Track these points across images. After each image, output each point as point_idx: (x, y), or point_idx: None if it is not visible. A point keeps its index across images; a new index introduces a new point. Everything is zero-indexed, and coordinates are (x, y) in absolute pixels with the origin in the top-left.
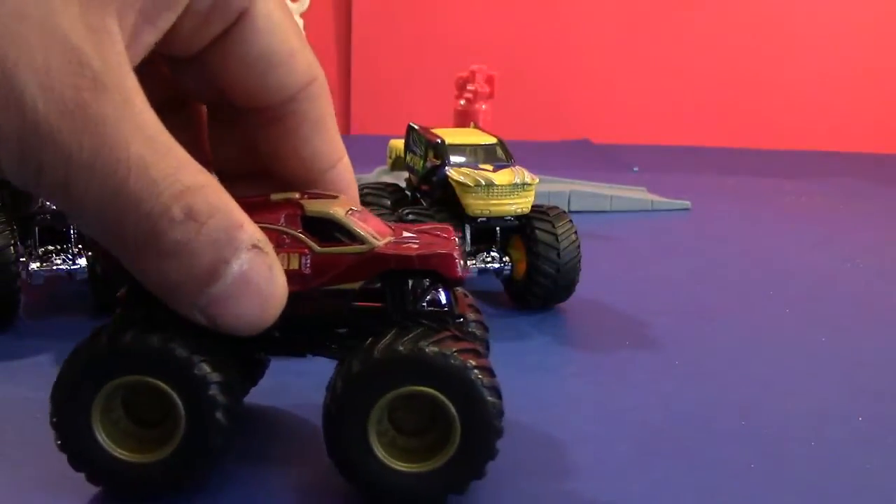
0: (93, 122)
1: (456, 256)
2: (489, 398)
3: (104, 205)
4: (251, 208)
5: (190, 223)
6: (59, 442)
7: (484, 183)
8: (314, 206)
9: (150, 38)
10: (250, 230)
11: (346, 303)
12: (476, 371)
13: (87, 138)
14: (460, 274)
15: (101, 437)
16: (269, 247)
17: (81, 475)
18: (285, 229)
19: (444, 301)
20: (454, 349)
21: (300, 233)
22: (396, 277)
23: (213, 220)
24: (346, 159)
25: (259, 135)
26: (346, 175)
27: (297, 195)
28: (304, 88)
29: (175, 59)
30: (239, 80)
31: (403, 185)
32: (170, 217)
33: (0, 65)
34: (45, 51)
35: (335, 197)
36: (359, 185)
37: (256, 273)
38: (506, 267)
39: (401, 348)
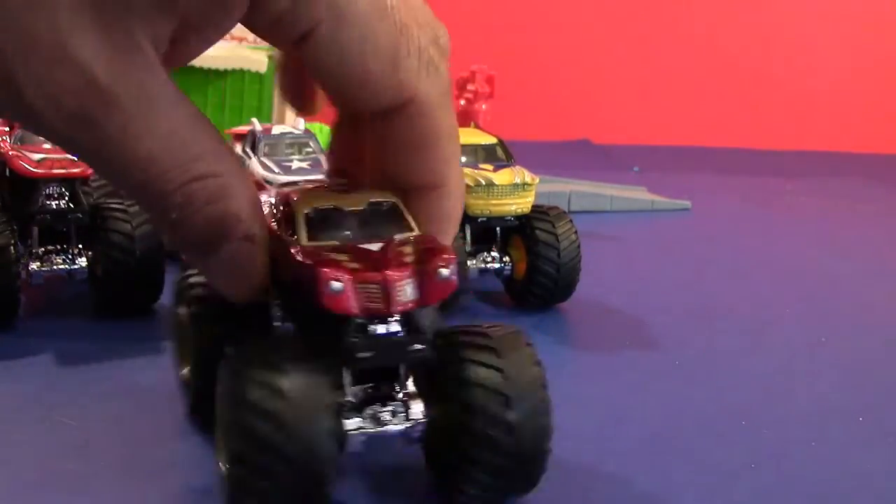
0: (100, 137)
1: None
2: None
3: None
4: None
5: (187, 207)
6: None
7: (484, 183)
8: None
9: (198, 45)
10: (248, 222)
11: None
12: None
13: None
14: None
15: None
16: (261, 238)
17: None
18: None
19: None
20: None
21: None
22: None
23: (209, 207)
24: (446, 189)
25: (366, 137)
26: (437, 205)
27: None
28: (394, 108)
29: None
30: (327, 81)
31: None
32: (171, 201)
33: (14, 88)
34: (55, 72)
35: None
36: None
37: (241, 259)
38: (506, 267)
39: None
